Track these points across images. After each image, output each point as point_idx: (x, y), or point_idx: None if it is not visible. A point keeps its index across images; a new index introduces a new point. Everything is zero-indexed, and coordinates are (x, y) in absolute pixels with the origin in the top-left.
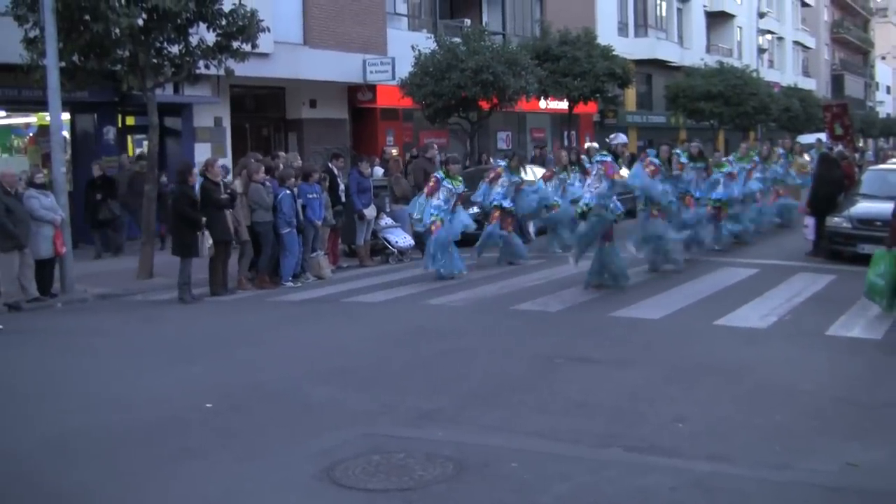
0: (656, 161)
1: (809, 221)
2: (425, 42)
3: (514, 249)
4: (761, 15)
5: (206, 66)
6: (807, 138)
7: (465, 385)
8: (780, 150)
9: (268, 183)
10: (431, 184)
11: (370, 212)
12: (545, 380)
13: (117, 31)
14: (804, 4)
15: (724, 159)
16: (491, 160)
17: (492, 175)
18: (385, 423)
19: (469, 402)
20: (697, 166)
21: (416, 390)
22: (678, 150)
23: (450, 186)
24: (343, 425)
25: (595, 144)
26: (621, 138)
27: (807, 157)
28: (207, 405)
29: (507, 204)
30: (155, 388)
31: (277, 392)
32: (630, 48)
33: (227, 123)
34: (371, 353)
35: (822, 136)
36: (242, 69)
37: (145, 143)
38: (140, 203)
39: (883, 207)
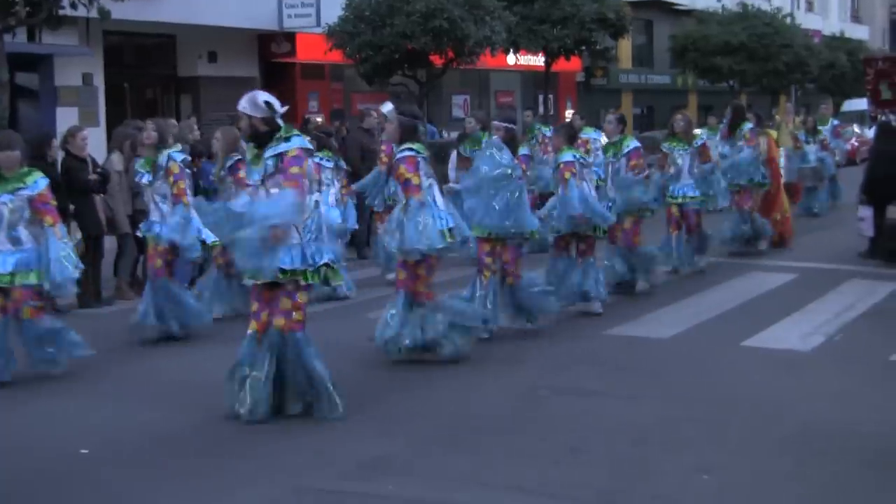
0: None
1: (865, 213)
2: None
3: None
4: None
5: (73, 6)
6: (855, 104)
7: (422, 425)
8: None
9: None
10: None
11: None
12: (527, 417)
13: None
14: None
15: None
16: None
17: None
18: (320, 473)
19: (428, 446)
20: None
21: (360, 432)
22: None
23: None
24: (266, 477)
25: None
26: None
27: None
28: (83, 451)
29: None
30: (9, 431)
31: (176, 434)
32: None
33: (99, 82)
34: None
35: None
36: (120, 10)
37: None
38: None
39: None
